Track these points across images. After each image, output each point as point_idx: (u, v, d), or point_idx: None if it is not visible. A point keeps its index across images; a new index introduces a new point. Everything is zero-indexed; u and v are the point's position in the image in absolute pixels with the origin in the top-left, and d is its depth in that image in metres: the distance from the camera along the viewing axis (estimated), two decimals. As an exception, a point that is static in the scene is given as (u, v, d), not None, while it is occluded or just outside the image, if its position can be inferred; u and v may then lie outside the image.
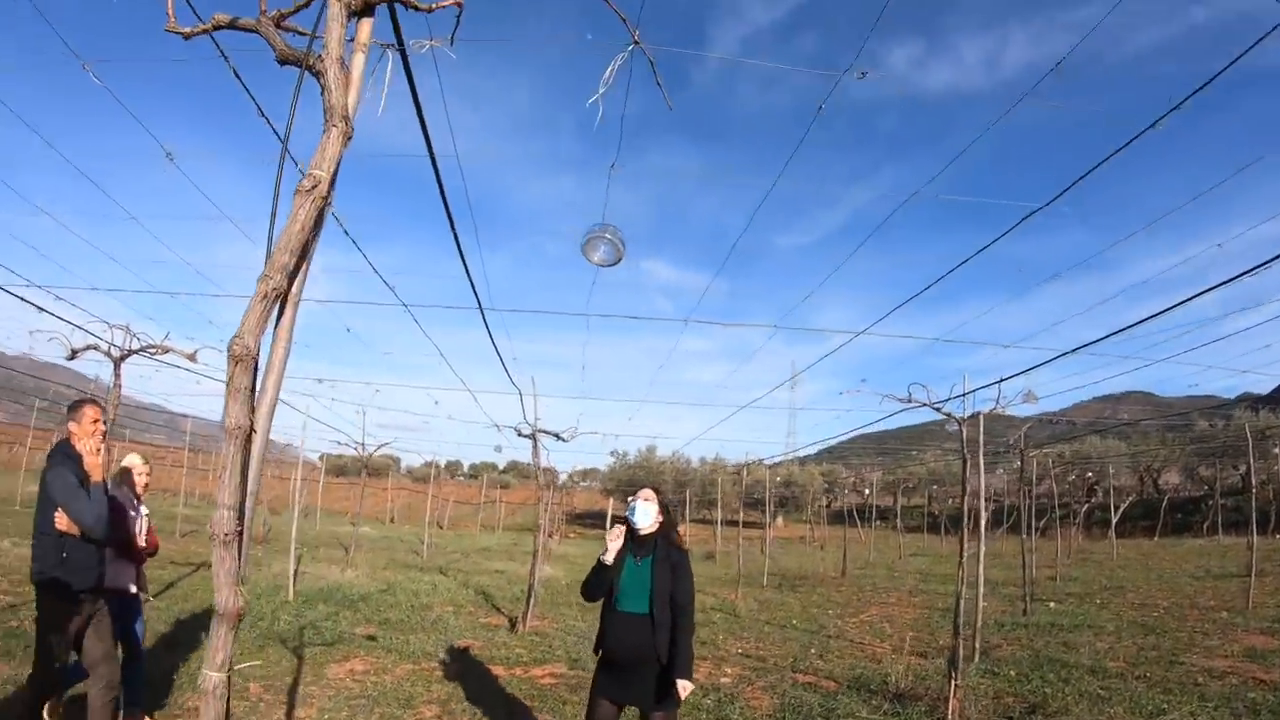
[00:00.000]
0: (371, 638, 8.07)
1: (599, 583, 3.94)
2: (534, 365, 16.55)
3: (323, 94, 1.80)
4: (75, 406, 3.97)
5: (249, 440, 1.77)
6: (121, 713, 4.38)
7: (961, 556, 6.35)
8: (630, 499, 4.04)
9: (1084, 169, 5.34)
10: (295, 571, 10.86)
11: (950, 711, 5.60)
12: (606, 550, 3.90)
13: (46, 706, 3.99)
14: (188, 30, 1.90)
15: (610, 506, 43.95)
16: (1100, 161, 5.15)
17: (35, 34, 9.03)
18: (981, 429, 7.60)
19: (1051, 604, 12.25)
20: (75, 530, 3.76)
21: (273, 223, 1.79)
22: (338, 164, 1.80)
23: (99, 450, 3.84)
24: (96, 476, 3.80)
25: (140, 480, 4.95)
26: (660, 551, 3.85)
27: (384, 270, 6.38)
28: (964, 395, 6.72)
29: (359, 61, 1.98)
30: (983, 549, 7.79)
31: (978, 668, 7.29)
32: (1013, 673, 7.17)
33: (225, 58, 3.74)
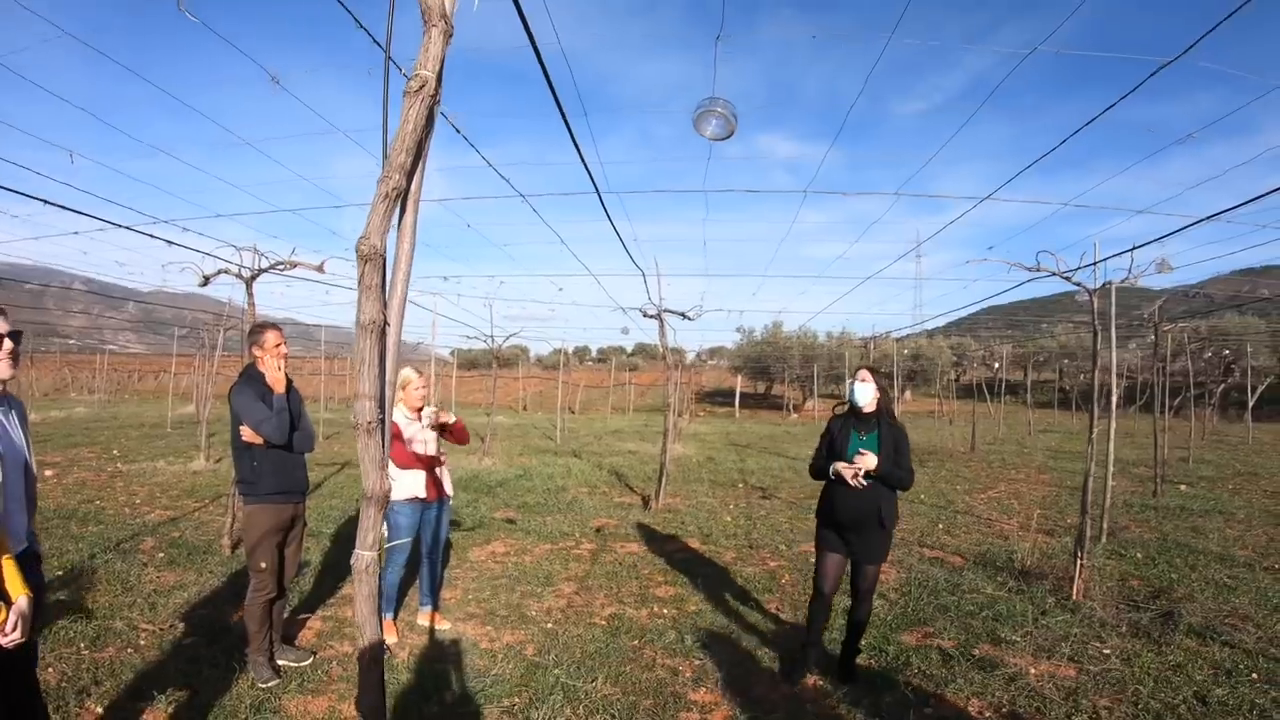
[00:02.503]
0: (510, 521, 8.50)
1: (827, 464, 4.32)
2: (657, 246, 16.62)
3: None
4: (257, 332, 4.25)
5: (383, 334, 1.84)
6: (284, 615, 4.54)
7: (1090, 434, 6.20)
8: (849, 380, 4.49)
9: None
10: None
11: (1075, 591, 5.63)
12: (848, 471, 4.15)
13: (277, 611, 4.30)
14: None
15: (739, 384, 44.08)
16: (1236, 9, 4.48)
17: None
18: (1113, 300, 7.22)
19: (1183, 487, 11.72)
20: (258, 440, 4.10)
21: (385, 125, 1.84)
22: (442, 62, 1.82)
23: (280, 368, 4.19)
24: (279, 389, 4.16)
25: (418, 393, 5.05)
26: (885, 426, 4.28)
27: (505, 165, 6.45)
28: (1094, 264, 6.39)
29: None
30: (1113, 427, 7.54)
31: (1104, 548, 7.21)
32: (1139, 555, 7.06)
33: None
